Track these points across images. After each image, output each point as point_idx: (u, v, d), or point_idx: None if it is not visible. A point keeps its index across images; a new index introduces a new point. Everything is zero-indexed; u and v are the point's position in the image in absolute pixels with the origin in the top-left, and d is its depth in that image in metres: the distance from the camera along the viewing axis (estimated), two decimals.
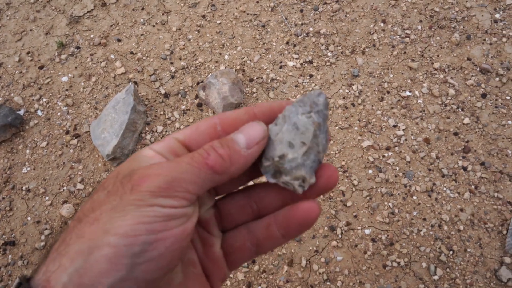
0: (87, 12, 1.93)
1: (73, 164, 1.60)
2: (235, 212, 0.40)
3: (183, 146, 0.36)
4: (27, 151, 1.65)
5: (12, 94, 1.77)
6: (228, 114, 0.37)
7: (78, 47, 1.85)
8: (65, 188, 1.56)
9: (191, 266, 0.36)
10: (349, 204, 1.41)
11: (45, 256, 0.31)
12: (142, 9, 1.91)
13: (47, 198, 1.55)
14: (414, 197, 1.41)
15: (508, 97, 1.55)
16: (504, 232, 1.33)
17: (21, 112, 1.72)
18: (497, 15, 1.72)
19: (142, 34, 1.84)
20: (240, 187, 0.42)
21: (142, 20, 1.88)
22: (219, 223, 0.40)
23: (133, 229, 0.29)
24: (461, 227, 1.35)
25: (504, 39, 1.66)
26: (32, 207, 1.54)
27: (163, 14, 1.88)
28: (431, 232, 1.35)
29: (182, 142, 0.36)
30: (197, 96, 1.67)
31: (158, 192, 0.30)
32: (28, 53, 1.86)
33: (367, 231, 1.37)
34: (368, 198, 1.42)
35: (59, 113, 1.71)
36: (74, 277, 0.28)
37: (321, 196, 1.43)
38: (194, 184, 0.32)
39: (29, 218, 1.52)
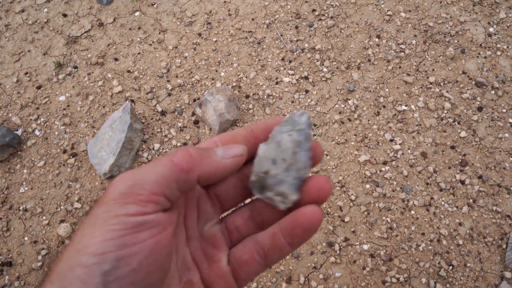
0: (85, 32, 1.95)
1: (70, 183, 1.60)
2: (240, 224, 0.40)
3: None
4: (25, 170, 1.65)
5: (10, 114, 1.77)
6: (227, 132, 0.39)
7: (75, 67, 1.86)
8: (62, 207, 1.55)
9: (189, 287, 0.36)
10: (347, 219, 1.40)
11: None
12: (139, 28, 1.93)
13: (44, 217, 1.54)
14: (412, 212, 1.40)
15: (504, 110, 1.55)
16: (504, 246, 1.32)
17: (19, 132, 1.72)
18: (491, 29, 1.73)
19: (139, 53, 1.86)
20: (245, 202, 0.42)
21: (138, 39, 1.90)
22: (227, 238, 0.40)
23: (102, 246, 0.28)
24: (460, 242, 1.33)
25: (498, 53, 1.67)
26: (29, 227, 1.53)
27: (159, 33, 1.90)
28: (430, 247, 1.34)
29: None
30: (193, 113, 1.67)
31: (122, 199, 0.29)
32: (26, 73, 1.87)
33: (365, 247, 1.35)
34: (366, 213, 1.41)
35: (56, 133, 1.71)
36: None
37: None
38: (158, 185, 0.31)
39: (26, 238, 1.51)
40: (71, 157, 1.65)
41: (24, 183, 1.62)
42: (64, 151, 1.67)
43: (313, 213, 0.35)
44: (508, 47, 1.69)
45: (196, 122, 1.66)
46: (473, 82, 1.62)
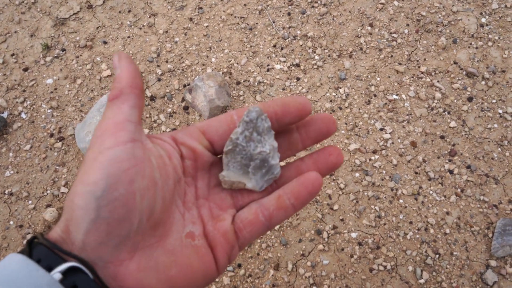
0: (73, 14, 1.91)
1: (57, 167, 1.57)
2: (255, 192, 0.43)
3: (200, 132, 0.42)
4: (10, 154, 1.62)
5: None
6: (243, 108, 0.43)
7: (63, 49, 1.82)
8: (48, 191, 1.53)
9: (189, 238, 0.38)
10: (335, 207, 1.40)
11: None
12: (129, 11, 1.89)
13: (30, 202, 1.52)
14: (401, 201, 1.40)
15: (494, 101, 1.56)
16: (490, 235, 1.33)
17: (5, 114, 1.69)
18: (483, 20, 1.73)
19: (128, 37, 1.83)
20: None
21: (128, 22, 1.86)
22: (236, 202, 0.42)
23: (93, 177, 0.33)
24: (447, 231, 1.34)
25: (490, 43, 1.67)
26: (14, 211, 1.51)
27: (150, 17, 1.87)
28: (417, 236, 1.34)
29: (200, 129, 0.42)
30: (183, 99, 1.65)
31: (100, 138, 0.35)
32: (12, 55, 1.83)
33: (353, 235, 1.36)
34: (354, 201, 1.41)
35: (43, 116, 1.68)
36: (63, 227, 0.34)
37: None
38: (116, 116, 0.37)
39: (11, 223, 1.49)
40: (58, 141, 1.62)
41: (9, 166, 1.60)
42: (51, 135, 1.64)
43: (315, 178, 0.40)
44: (499, 37, 1.69)
45: (186, 108, 1.64)
46: (464, 73, 1.63)
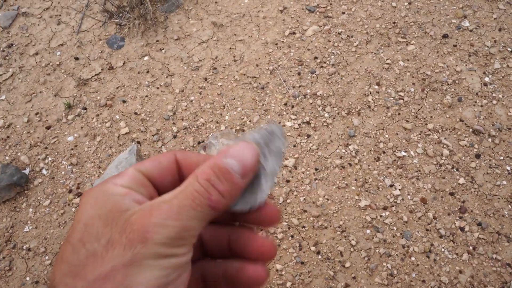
0: (95, 75, 2.03)
1: None
2: (212, 243, 0.40)
3: (146, 178, 0.36)
4: (30, 209, 1.67)
5: (19, 153, 1.82)
6: (189, 156, 0.38)
7: (84, 108, 1.92)
8: None
9: None
10: (347, 264, 1.41)
11: None
12: (147, 72, 2.01)
13: (47, 257, 1.55)
14: (413, 258, 1.41)
15: (501, 158, 1.59)
16: None
17: (27, 171, 1.76)
18: (486, 79, 1.79)
19: (146, 96, 1.92)
20: None
21: (146, 82, 1.97)
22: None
23: (155, 284, 0.30)
24: None
25: (494, 101, 1.73)
26: (31, 266, 1.54)
27: (167, 77, 1.98)
28: None
29: (145, 174, 0.36)
30: None
31: (171, 243, 0.31)
32: (36, 113, 1.93)
33: None
34: (366, 258, 1.42)
35: (63, 172, 1.75)
36: None
37: (319, 257, 1.44)
38: (200, 229, 0.33)
39: (28, 278, 1.52)
40: (77, 196, 1.68)
41: (29, 222, 1.65)
42: (70, 191, 1.70)
43: (257, 275, 0.36)
44: (503, 96, 1.75)
45: None
46: (471, 130, 1.67)
